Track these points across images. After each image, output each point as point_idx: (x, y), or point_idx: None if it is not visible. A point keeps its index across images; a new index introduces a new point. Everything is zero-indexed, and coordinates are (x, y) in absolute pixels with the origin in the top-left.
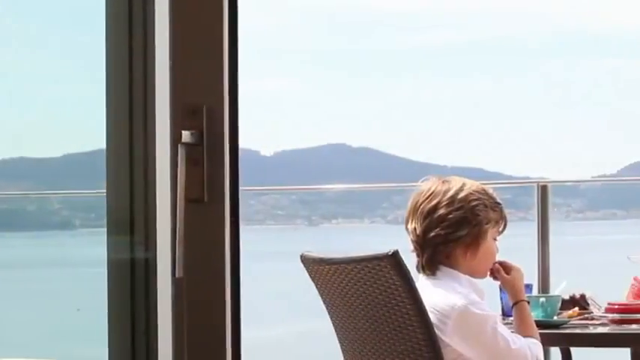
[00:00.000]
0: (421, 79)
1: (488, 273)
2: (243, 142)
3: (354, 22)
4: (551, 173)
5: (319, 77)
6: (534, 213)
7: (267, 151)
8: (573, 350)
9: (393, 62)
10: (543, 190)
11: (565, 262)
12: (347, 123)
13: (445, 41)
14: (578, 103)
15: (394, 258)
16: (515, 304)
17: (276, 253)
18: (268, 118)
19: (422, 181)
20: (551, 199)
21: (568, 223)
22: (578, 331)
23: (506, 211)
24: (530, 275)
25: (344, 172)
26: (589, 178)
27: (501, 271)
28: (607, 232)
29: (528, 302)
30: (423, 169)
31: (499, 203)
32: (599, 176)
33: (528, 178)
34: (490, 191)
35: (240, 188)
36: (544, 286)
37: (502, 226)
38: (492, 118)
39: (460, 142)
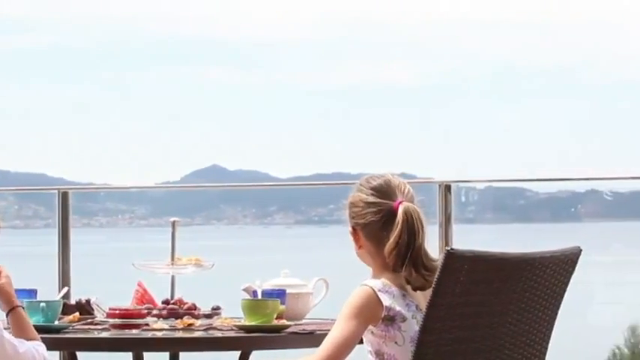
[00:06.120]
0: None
1: None
2: None
3: None
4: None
5: None
6: (56, 219)
7: None
8: (79, 355)
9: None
10: (64, 196)
11: (98, 268)
12: None
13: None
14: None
15: None
16: (10, 311)
17: None
18: None
19: None
20: (72, 204)
21: (132, 230)
22: (80, 335)
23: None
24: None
25: None
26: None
27: None
28: (155, 238)
29: (23, 307)
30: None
31: None
32: (162, 183)
33: (91, 183)
34: None
35: None
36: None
37: None
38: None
39: (74, 152)
